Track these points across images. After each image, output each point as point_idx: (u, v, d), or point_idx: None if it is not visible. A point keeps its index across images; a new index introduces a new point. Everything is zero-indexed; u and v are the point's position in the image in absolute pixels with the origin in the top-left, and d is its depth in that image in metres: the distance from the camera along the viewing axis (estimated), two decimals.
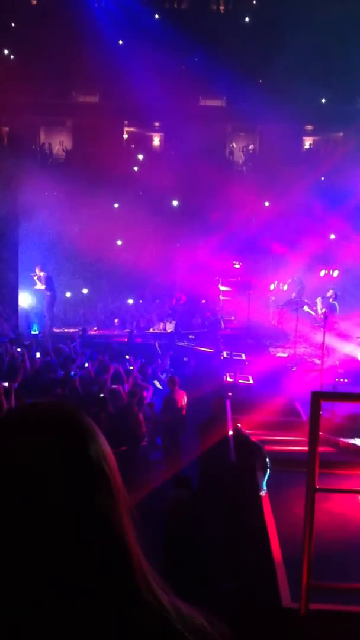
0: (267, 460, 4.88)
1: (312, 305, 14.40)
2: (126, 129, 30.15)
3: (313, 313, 14.27)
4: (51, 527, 0.93)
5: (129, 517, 1.03)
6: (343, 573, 3.45)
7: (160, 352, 14.07)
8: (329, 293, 14.45)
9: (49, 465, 0.96)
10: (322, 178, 23.31)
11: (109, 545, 0.97)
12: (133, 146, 29.11)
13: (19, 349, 13.10)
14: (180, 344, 15.52)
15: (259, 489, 4.63)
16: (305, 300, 14.84)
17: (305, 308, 14.35)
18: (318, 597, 3.02)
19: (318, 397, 2.89)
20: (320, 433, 7.45)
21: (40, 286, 17.34)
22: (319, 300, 14.42)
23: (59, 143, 29.74)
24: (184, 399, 10.18)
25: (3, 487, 0.94)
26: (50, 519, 0.94)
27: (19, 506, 0.93)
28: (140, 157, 28.04)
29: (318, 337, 11.89)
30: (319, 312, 13.95)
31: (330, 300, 14.32)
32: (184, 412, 10.14)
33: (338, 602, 3.10)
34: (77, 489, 0.97)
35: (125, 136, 30.01)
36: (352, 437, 6.98)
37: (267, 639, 3.38)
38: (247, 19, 29.53)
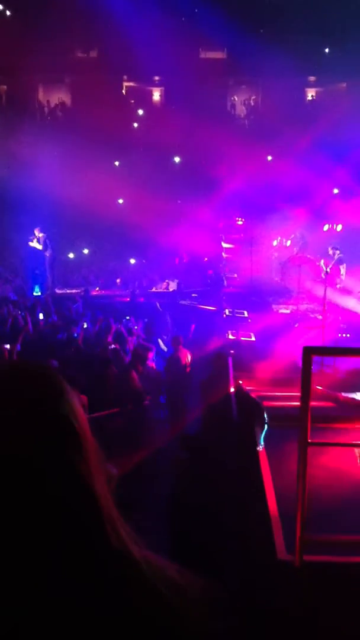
0: (265, 415, 4.90)
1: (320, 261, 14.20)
2: (125, 84, 29.60)
3: (325, 268, 14.09)
4: (19, 478, 0.96)
5: (100, 470, 1.06)
6: (337, 525, 3.48)
7: (161, 311, 14.03)
8: (330, 251, 14.29)
9: (19, 419, 0.98)
10: (327, 126, 22.82)
11: (77, 495, 1.00)
12: (133, 101, 28.62)
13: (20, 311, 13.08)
14: (183, 302, 15.48)
15: (256, 444, 4.66)
16: (309, 257, 14.68)
17: (321, 262, 14.07)
18: (313, 550, 3.07)
19: (309, 352, 2.88)
20: (320, 388, 7.43)
21: (38, 247, 17.24)
22: (322, 262, 14.25)
23: (58, 100, 29.27)
24: (187, 358, 10.19)
25: None
26: (18, 470, 0.96)
27: None
28: (141, 112, 27.58)
29: (320, 292, 11.81)
30: (326, 269, 13.76)
31: (336, 256, 14.17)
32: (187, 370, 10.17)
33: (332, 553, 3.15)
34: (46, 441, 0.99)
35: (125, 91, 29.50)
36: (353, 391, 7.00)
37: (264, 590, 3.44)
38: None
